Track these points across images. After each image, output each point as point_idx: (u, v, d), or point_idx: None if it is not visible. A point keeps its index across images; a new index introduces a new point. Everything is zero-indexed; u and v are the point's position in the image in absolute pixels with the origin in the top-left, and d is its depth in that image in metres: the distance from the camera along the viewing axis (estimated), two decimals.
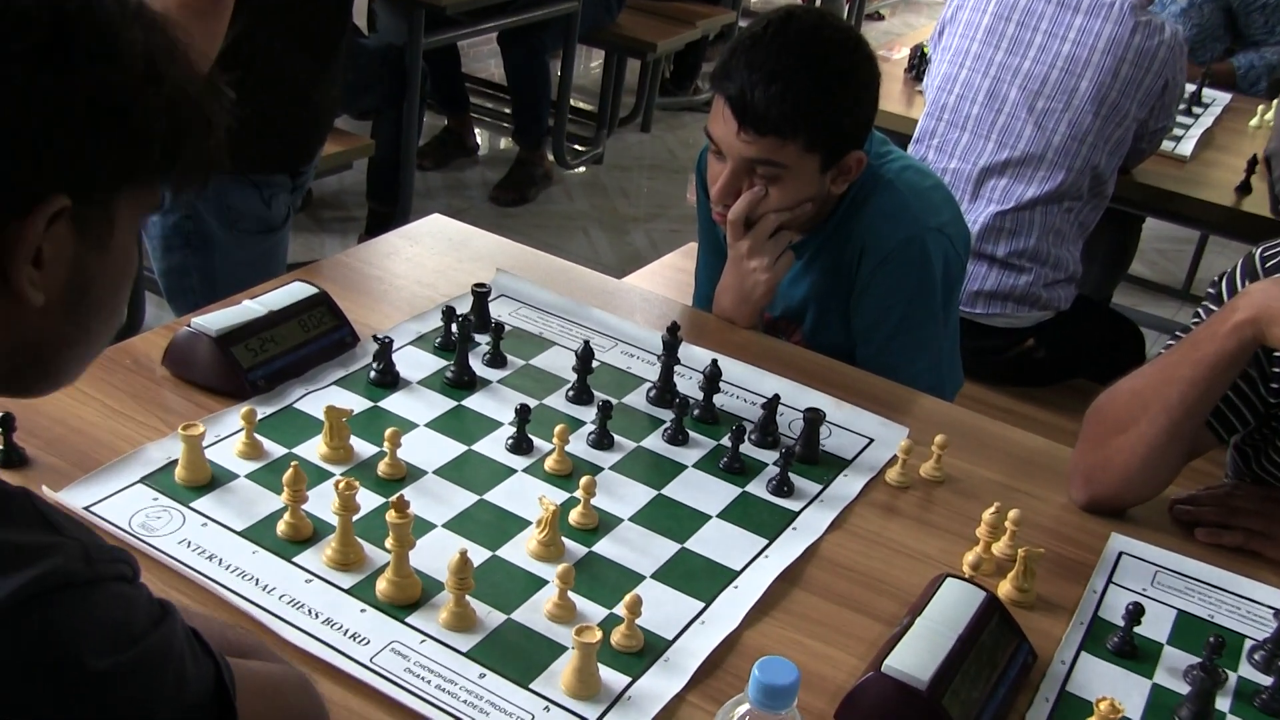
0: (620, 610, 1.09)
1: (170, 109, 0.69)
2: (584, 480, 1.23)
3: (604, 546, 1.22)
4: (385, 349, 1.44)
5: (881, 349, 1.64)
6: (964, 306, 2.28)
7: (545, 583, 1.15)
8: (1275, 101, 3.02)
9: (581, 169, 4.70)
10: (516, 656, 1.06)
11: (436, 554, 1.15)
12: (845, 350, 1.68)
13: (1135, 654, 1.17)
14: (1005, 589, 1.22)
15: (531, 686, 1.03)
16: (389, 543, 1.10)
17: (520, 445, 1.35)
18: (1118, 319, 2.54)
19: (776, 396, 1.43)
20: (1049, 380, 2.40)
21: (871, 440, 1.46)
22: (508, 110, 4.56)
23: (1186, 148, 2.68)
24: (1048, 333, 2.35)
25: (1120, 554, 1.31)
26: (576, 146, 4.66)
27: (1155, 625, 1.20)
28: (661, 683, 1.06)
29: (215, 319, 1.40)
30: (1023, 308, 2.31)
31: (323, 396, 1.39)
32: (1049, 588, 1.25)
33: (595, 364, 1.49)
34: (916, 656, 1.03)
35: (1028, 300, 2.30)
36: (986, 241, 2.29)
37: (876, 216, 1.61)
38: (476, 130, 4.68)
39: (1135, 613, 1.16)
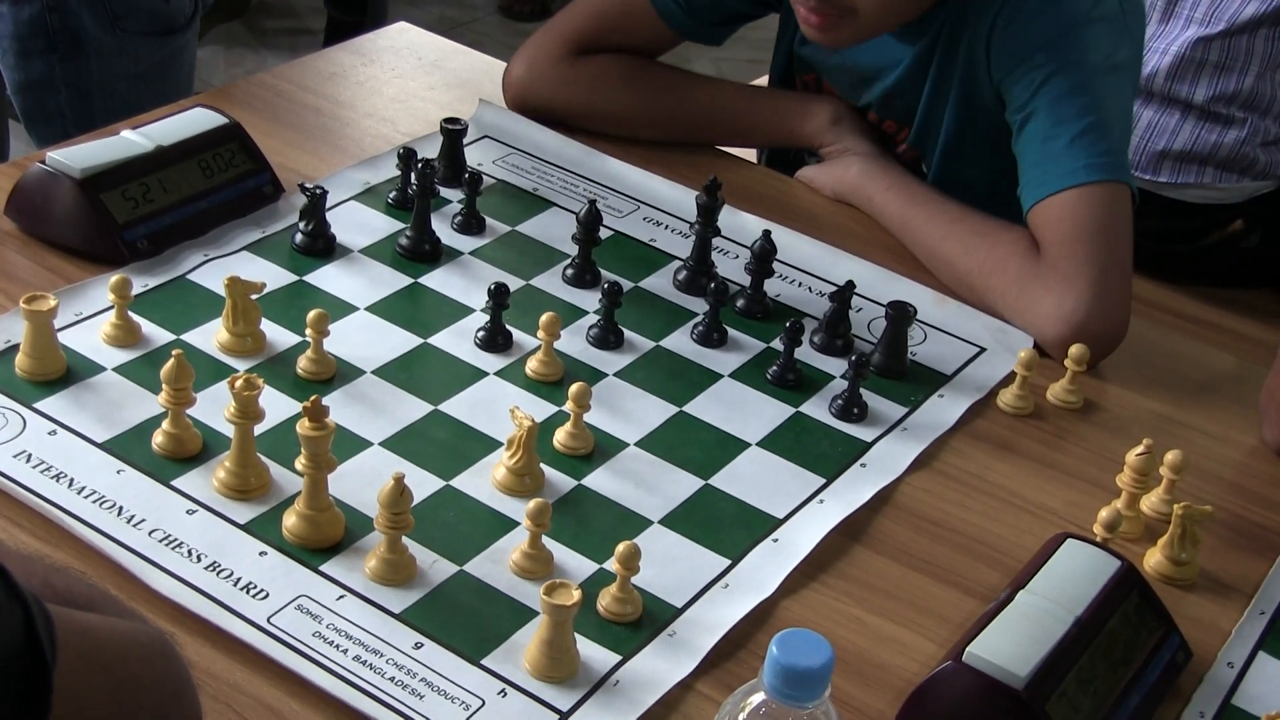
0: (612, 565, 1.10)
1: None
2: (575, 388, 1.24)
3: (598, 479, 1.23)
4: (317, 203, 1.45)
5: (1022, 128, 1.56)
6: (1144, 173, 2.24)
7: (514, 524, 1.17)
8: None
9: None
10: (467, 622, 1.08)
11: (368, 481, 1.17)
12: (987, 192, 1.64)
13: None
14: (1153, 559, 1.22)
15: (484, 663, 1.05)
16: (301, 464, 1.12)
17: (494, 339, 1.36)
18: None
19: (850, 284, 1.42)
20: (1261, 279, 2.36)
21: (982, 350, 1.45)
22: None
23: None
24: (1265, 211, 2.31)
25: None
26: None
27: None
28: (662, 665, 1.07)
29: (81, 154, 1.41)
30: (1230, 175, 2.27)
31: (227, 265, 1.41)
32: (1218, 561, 1.24)
33: (605, 232, 1.49)
34: (1014, 643, 1.03)
35: (1237, 165, 2.26)
36: (1181, 81, 2.24)
37: None
38: None
39: None
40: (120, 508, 1.13)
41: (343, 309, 1.38)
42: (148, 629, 0.87)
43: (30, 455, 1.16)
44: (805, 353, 1.40)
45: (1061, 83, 1.52)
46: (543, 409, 1.29)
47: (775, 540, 1.19)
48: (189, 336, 1.32)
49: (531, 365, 1.34)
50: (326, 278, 1.43)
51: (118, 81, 1.92)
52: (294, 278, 1.42)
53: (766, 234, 1.44)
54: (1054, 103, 1.51)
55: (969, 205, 1.57)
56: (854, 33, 1.57)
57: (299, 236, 1.45)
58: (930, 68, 1.64)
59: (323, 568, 1.11)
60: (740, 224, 1.57)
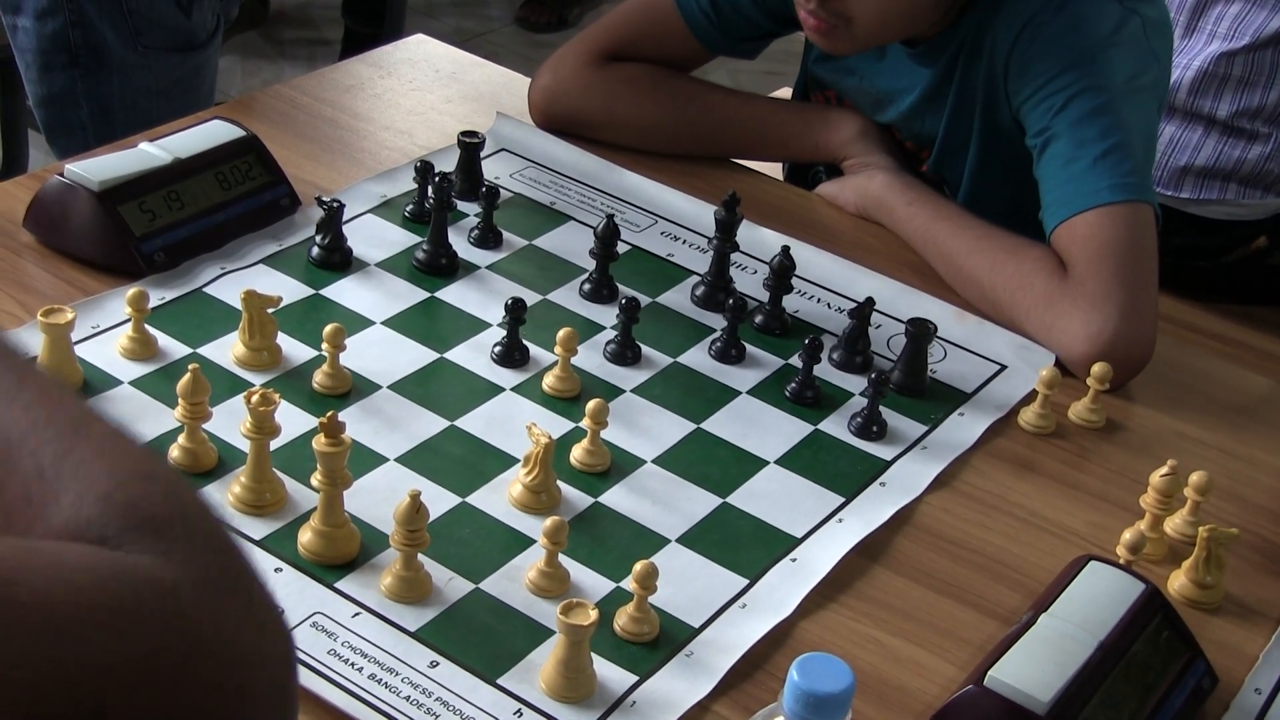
0: (629, 584, 1.10)
1: None
2: (592, 405, 1.23)
3: (615, 496, 1.23)
4: (333, 216, 1.45)
5: (1043, 151, 1.55)
6: (1165, 189, 2.24)
7: (531, 542, 1.16)
8: None
9: None
10: (483, 641, 1.08)
11: (383, 497, 1.17)
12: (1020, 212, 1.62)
13: None
14: (1178, 582, 1.22)
15: (500, 682, 1.05)
16: (316, 479, 1.12)
17: (511, 354, 1.36)
18: None
19: (870, 301, 1.42)
20: None
21: (1003, 368, 1.45)
22: None
23: None
24: None
25: None
26: None
27: None
28: (679, 685, 1.07)
29: (98, 166, 1.41)
30: (1254, 192, 2.26)
31: (245, 278, 1.41)
32: (1244, 585, 1.24)
33: (622, 247, 1.50)
34: (1036, 668, 1.03)
35: (1261, 181, 2.25)
36: (1204, 96, 2.24)
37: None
38: None
39: None
40: None
41: (359, 323, 1.38)
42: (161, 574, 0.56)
43: None
44: (824, 370, 1.40)
45: (1083, 104, 1.51)
46: (559, 425, 1.29)
47: (794, 560, 1.19)
48: (205, 350, 1.32)
49: (548, 381, 1.34)
50: (343, 291, 1.43)
51: (139, 97, 1.93)
52: (310, 291, 1.42)
53: (785, 249, 1.44)
54: (1075, 125, 1.51)
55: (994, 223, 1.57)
56: (852, 42, 1.58)
57: (315, 250, 1.46)
58: (949, 93, 1.63)
59: (338, 585, 1.11)
60: (759, 239, 1.57)
